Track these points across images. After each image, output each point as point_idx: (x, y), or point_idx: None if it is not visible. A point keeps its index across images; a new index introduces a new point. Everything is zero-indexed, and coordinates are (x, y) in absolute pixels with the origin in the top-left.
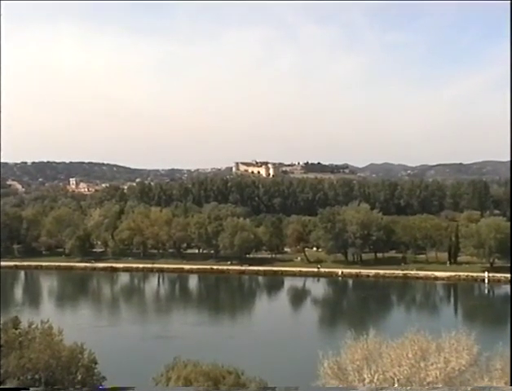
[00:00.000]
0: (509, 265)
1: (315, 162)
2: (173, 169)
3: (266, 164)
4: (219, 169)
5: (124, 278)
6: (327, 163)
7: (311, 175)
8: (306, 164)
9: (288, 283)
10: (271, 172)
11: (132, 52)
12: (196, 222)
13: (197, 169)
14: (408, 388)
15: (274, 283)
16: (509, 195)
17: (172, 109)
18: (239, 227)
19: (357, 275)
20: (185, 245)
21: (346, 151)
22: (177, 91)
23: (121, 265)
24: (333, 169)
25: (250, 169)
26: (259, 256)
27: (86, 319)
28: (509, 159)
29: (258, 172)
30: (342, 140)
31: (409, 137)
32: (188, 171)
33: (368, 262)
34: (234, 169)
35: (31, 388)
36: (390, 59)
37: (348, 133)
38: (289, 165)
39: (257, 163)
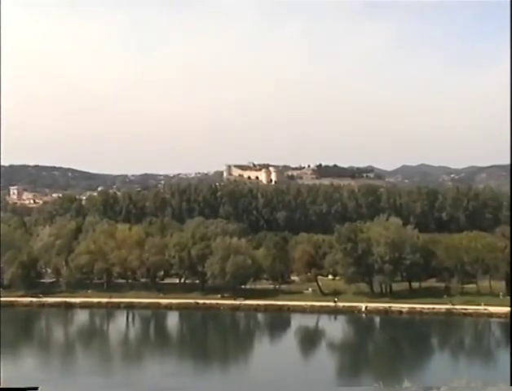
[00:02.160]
0: None
1: (330, 164)
2: (146, 175)
3: (266, 167)
4: (206, 174)
5: (82, 316)
6: (345, 165)
7: (325, 181)
8: (319, 166)
9: (296, 321)
10: (274, 177)
11: (99, 33)
12: (177, 243)
13: (178, 174)
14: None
15: (278, 322)
16: None
17: (145, 96)
18: (232, 249)
19: (386, 311)
20: (162, 273)
21: (371, 150)
22: (151, 72)
23: (77, 300)
24: (354, 172)
25: (246, 174)
26: (258, 286)
27: (29, 372)
28: None
29: (257, 177)
30: (364, 136)
31: (453, 131)
32: (166, 177)
33: (401, 294)
34: (225, 174)
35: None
36: (428, 28)
37: (372, 128)
38: (296, 169)
39: (255, 166)
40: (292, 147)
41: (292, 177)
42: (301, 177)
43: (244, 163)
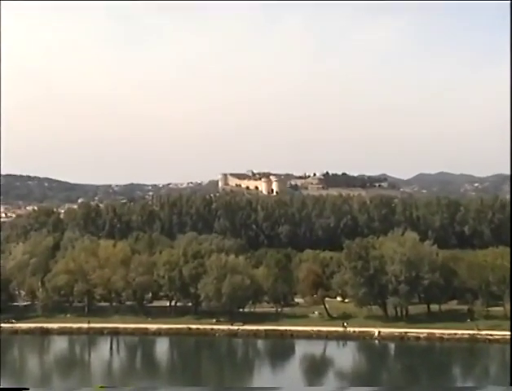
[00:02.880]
0: None
1: (339, 172)
2: (131, 185)
3: (267, 175)
4: (200, 184)
5: (60, 344)
6: (355, 174)
7: (333, 191)
8: (326, 175)
9: (301, 348)
10: (275, 187)
11: (79, 28)
12: (166, 262)
13: (167, 185)
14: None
15: (280, 350)
16: None
17: (130, 99)
18: (228, 268)
19: (402, 337)
20: (150, 295)
21: (384, 157)
22: (138, 74)
23: (55, 326)
24: (365, 182)
25: (245, 184)
26: (258, 310)
27: None
28: None
29: (256, 187)
30: (376, 141)
31: (476, 135)
32: (154, 187)
33: (418, 318)
34: (221, 184)
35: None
36: (448, 19)
37: (385, 132)
38: (300, 178)
39: (254, 175)
40: (295, 153)
41: (295, 187)
42: (306, 187)
43: (242, 171)
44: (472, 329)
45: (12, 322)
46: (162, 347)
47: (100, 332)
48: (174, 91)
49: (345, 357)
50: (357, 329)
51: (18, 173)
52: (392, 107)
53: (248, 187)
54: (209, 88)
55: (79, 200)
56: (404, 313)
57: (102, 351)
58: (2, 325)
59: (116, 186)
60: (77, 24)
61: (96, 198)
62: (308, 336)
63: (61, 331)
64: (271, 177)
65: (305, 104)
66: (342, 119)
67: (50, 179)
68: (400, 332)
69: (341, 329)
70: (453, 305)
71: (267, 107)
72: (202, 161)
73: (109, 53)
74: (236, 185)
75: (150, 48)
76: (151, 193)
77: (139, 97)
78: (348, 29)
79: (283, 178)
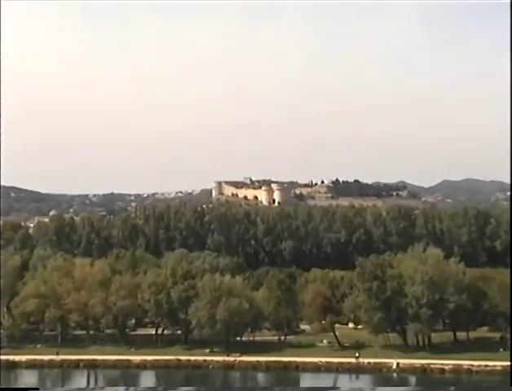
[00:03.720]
0: None
1: (350, 179)
2: (112, 195)
3: (267, 183)
4: (190, 194)
5: (28, 378)
6: (370, 181)
7: (344, 201)
8: (336, 183)
9: (307, 382)
10: (277, 197)
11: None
12: (152, 283)
13: (153, 194)
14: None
15: (283, 384)
16: None
17: (111, 97)
18: (224, 291)
19: (424, 369)
20: (133, 322)
21: (402, 162)
22: (123, 73)
23: (23, 358)
24: (381, 190)
25: (242, 193)
26: (258, 338)
27: None
28: None
29: (256, 197)
30: (393, 144)
31: (509, 137)
32: (138, 197)
33: (443, 347)
34: (215, 193)
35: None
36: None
37: (404, 133)
38: (306, 186)
39: (252, 182)
40: (300, 158)
41: (301, 197)
42: (312, 197)
43: (239, 179)
44: (506, 360)
45: None
46: (147, 382)
47: (76, 365)
48: (162, 90)
49: None
50: (372, 360)
51: None
52: (410, 107)
53: (246, 197)
54: (200, 86)
55: (51, 213)
56: (427, 341)
57: (77, 385)
58: None
59: (94, 196)
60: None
61: (71, 210)
62: (316, 368)
63: (30, 365)
64: (273, 185)
65: (311, 103)
66: (354, 119)
67: (17, 189)
68: (422, 364)
69: (353, 360)
70: (483, 332)
71: (268, 106)
72: (193, 167)
73: (84, 52)
74: (233, 194)
75: (142, 48)
76: (134, 204)
77: (122, 96)
78: (355, 26)
79: (286, 187)
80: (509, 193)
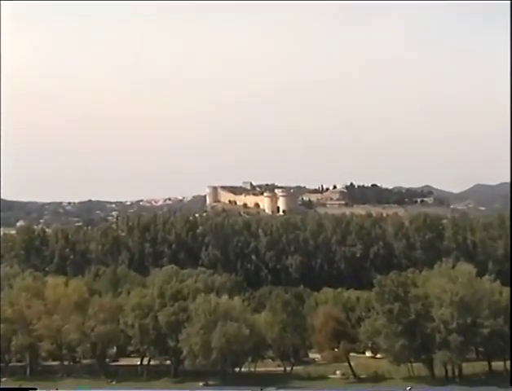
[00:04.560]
0: None
1: (367, 184)
2: (89, 202)
3: (271, 189)
4: (181, 201)
5: None
6: (390, 185)
7: (360, 209)
8: (350, 187)
9: None
10: (282, 204)
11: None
12: (137, 305)
13: (138, 202)
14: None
15: None
16: None
17: (92, 92)
18: (220, 314)
19: None
20: (114, 351)
21: (428, 165)
22: (110, 74)
23: None
24: (403, 196)
25: (241, 200)
26: (261, 369)
27: None
28: None
29: (257, 205)
30: (417, 144)
31: None
32: (120, 205)
33: (476, 379)
34: (209, 201)
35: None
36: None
37: (430, 131)
38: (315, 191)
39: (253, 188)
40: (309, 159)
41: (309, 204)
42: (323, 204)
43: (238, 184)
44: None
45: None
46: None
47: None
48: (151, 89)
49: None
50: None
51: None
52: (437, 102)
53: (245, 205)
54: (195, 84)
55: (18, 223)
56: (457, 372)
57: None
58: None
59: (69, 204)
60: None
61: (42, 220)
62: None
63: None
64: (277, 190)
65: (320, 100)
66: (371, 116)
67: None
68: None
69: None
70: None
71: (271, 104)
72: (184, 171)
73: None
74: (230, 201)
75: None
76: (115, 213)
77: (104, 95)
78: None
79: (292, 192)
80: None
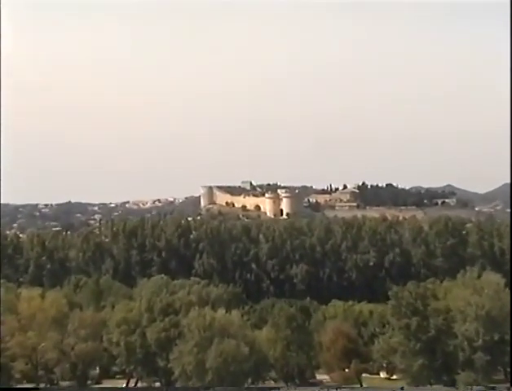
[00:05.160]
0: None
1: (381, 184)
2: (69, 204)
3: (273, 189)
4: (172, 203)
5: None
6: (407, 185)
7: (374, 212)
8: (362, 188)
9: None
10: (286, 206)
11: None
12: (122, 320)
13: (124, 204)
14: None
15: None
16: None
17: (73, 84)
18: (216, 330)
19: None
20: (97, 371)
21: (450, 162)
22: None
23: None
24: (422, 197)
25: (240, 202)
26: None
27: None
28: None
29: (258, 207)
30: (437, 140)
31: None
32: (104, 207)
33: None
34: (204, 202)
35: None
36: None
37: (451, 123)
38: (323, 192)
39: (253, 188)
40: (315, 156)
41: (316, 207)
42: (332, 207)
43: (236, 183)
44: None
45: None
46: None
47: None
48: (138, 81)
49: None
50: None
51: None
52: (461, 94)
53: (245, 207)
54: (185, 71)
55: None
56: None
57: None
58: None
59: (46, 206)
60: None
61: (15, 225)
62: None
63: None
64: (280, 191)
65: (328, 89)
66: (386, 108)
67: None
68: None
69: None
70: None
71: (272, 92)
72: (175, 168)
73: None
74: (227, 203)
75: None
76: (98, 216)
77: (84, 85)
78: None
79: (297, 193)
80: None
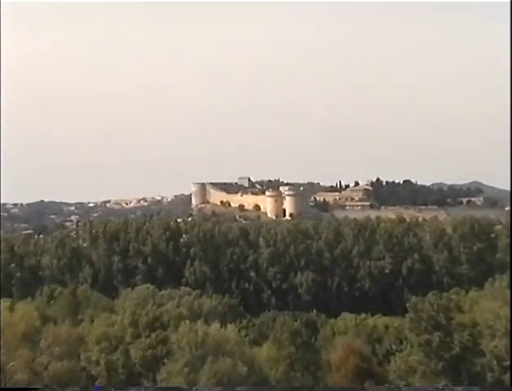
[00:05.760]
0: None
1: (398, 180)
2: (41, 204)
3: (275, 186)
4: (159, 202)
5: None
6: (428, 182)
7: (389, 212)
8: (376, 184)
9: None
10: (289, 206)
11: None
12: (103, 336)
13: (104, 203)
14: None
15: None
16: None
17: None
18: (210, 347)
19: None
20: None
21: (476, 155)
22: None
23: None
24: (445, 196)
25: (236, 201)
26: None
27: None
28: None
29: (257, 207)
30: (462, 127)
31: None
32: (81, 207)
33: None
34: (195, 202)
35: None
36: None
37: (477, 111)
38: (332, 189)
39: (252, 185)
40: (323, 148)
41: (325, 207)
42: (342, 206)
43: (232, 180)
44: None
45: None
46: None
47: None
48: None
49: None
50: None
51: None
52: (488, 82)
53: (242, 207)
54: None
55: None
56: None
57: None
58: None
59: (15, 206)
60: None
61: None
62: None
63: None
64: (283, 188)
65: (337, 72)
66: (403, 92)
67: None
68: None
69: None
70: None
71: (274, 74)
72: (163, 163)
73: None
74: (222, 203)
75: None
76: (75, 218)
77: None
78: None
79: (303, 191)
80: None
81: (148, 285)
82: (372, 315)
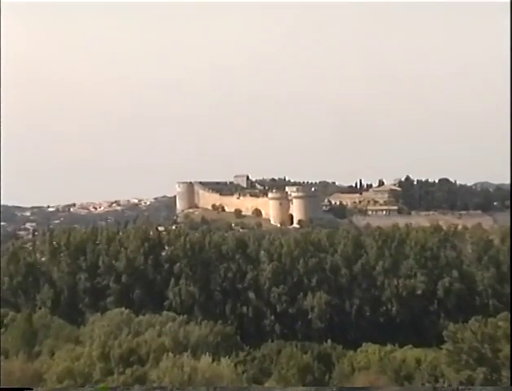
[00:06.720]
0: None
1: (433, 179)
2: (6, 207)
3: (280, 187)
4: (137, 205)
5: None
6: (470, 182)
7: (421, 218)
8: (404, 184)
9: None
10: (296, 211)
11: None
12: (66, 372)
13: (68, 207)
14: None
15: None
16: None
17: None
18: (198, 385)
19: None
20: None
21: None
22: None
23: None
24: (490, 199)
25: (231, 204)
26: None
27: None
28: None
29: (258, 211)
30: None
31: None
32: (39, 212)
33: None
34: (181, 206)
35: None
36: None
37: None
38: (350, 190)
39: (252, 184)
40: (339, 142)
41: (341, 211)
42: (363, 211)
43: (227, 179)
44: None
45: None
46: None
47: None
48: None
49: None
50: None
51: None
52: None
53: (239, 212)
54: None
55: None
56: None
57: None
58: None
59: None
60: None
61: None
62: None
63: None
64: (289, 189)
65: (356, 58)
66: (433, 75)
67: None
68: None
69: None
70: None
71: (281, 61)
72: (142, 158)
73: None
74: (215, 207)
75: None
76: (31, 226)
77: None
78: None
79: (314, 192)
80: None
81: (122, 309)
82: (401, 347)
